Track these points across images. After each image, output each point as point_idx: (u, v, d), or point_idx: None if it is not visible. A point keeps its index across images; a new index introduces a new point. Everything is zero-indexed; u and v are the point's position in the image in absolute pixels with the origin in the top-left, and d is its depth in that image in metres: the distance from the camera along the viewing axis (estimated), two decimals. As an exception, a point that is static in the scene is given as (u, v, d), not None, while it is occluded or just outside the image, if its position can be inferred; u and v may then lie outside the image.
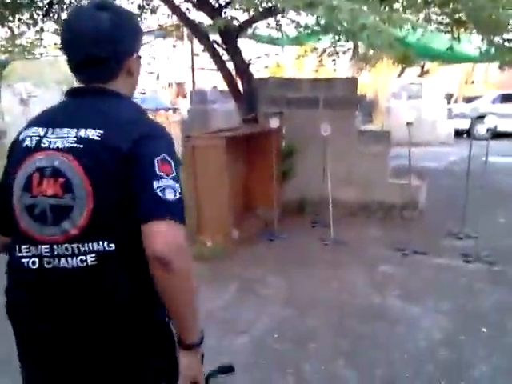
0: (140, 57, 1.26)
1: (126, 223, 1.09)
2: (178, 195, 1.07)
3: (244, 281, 3.89)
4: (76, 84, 1.24)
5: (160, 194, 1.04)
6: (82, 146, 1.09)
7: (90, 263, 1.08)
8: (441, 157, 10.35)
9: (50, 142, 1.11)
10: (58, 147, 1.10)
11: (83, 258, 1.08)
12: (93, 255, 1.08)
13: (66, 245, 1.08)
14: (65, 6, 6.93)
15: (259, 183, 5.51)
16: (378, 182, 5.65)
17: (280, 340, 2.96)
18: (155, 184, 1.04)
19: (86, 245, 1.08)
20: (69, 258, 1.08)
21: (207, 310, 3.29)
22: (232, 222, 4.83)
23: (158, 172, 1.06)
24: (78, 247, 1.08)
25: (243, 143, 5.47)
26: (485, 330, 3.05)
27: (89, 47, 1.13)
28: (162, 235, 1.02)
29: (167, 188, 1.05)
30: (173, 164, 1.10)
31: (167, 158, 1.09)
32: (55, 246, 1.08)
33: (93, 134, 1.09)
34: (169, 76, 27.30)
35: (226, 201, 4.57)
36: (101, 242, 1.08)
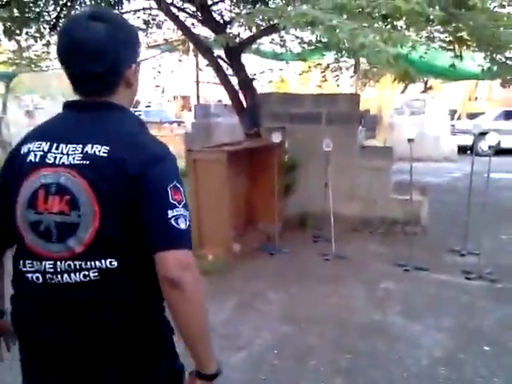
0: (138, 64, 1.22)
1: (130, 241, 1.10)
2: (188, 222, 1.10)
3: (244, 295, 3.87)
4: (75, 97, 1.22)
5: (174, 224, 1.06)
6: (88, 162, 1.08)
7: (92, 278, 1.09)
8: (443, 173, 10.35)
9: (55, 157, 1.10)
10: (63, 163, 1.09)
11: (86, 273, 1.09)
12: (95, 271, 1.09)
13: (69, 262, 1.09)
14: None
15: (261, 197, 5.52)
16: (380, 197, 5.66)
17: (279, 356, 2.94)
18: (169, 214, 1.07)
19: (88, 263, 1.09)
20: (72, 274, 1.09)
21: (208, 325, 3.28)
22: (233, 235, 4.83)
23: (171, 201, 1.08)
24: (80, 265, 1.09)
25: (245, 157, 5.50)
26: (487, 348, 3.02)
27: (84, 63, 1.11)
28: (175, 262, 1.05)
29: (180, 217, 1.08)
30: (182, 190, 1.12)
31: (178, 185, 1.11)
32: (59, 263, 1.09)
33: (99, 150, 1.08)
34: (174, 89, 27.52)
35: (227, 215, 4.57)
36: (103, 260, 1.09)
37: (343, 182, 5.60)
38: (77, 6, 6.77)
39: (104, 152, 1.08)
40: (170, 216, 1.06)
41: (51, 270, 1.10)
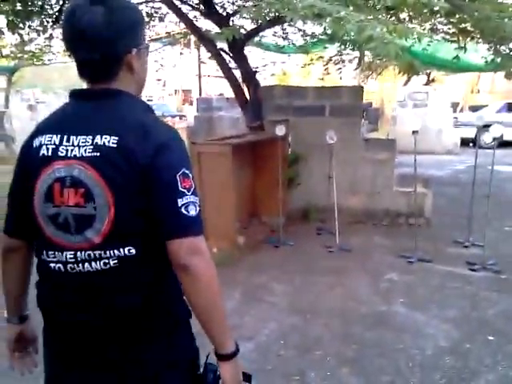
0: (141, 49, 1.19)
1: (146, 229, 1.12)
2: (198, 208, 1.12)
3: (250, 287, 3.90)
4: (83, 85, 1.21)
5: (184, 212, 1.08)
6: (98, 154, 1.09)
7: (112, 265, 1.12)
8: (447, 165, 10.35)
9: (66, 150, 1.10)
10: (75, 155, 1.10)
11: (106, 261, 1.12)
12: (115, 258, 1.12)
13: (89, 252, 1.11)
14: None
15: (265, 190, 5.53)
16: (383, 189, 5.67)
17: (286, 346, 2.97)
18: (179, 202, 1.08)
19: (107, 252, 1.11)
20: (92, 262, 1.12)
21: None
22: (238, 228, 4.85)
23: (180, 189, 1.09)
24: (100, 254, 1.11)
25: (249, 150, 5.51)
26: (491, 338, 3.04)
27: (83, 50, 1.11)
28: (186, 249, 1.08)
29: (190, 204, 1.09)
30: (191, 176, 1.13)
31: (186, 171, 1.12)
32: (79, 253, 1.12)
33: (109, 140, 1.09)
34: (176, 83, 27.48)
35: (231, 207, 4.59)
36: (121, 249, 1.11)
37: (347, 175, 5.61)
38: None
39: (113, 142, 1.08)
40: (180, 205, 1.08)
41: (72, 260, 1.13)
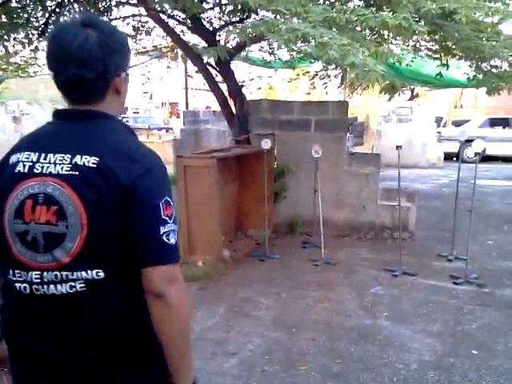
0: (128, 75, 1.21)
1: (119, 252, 1.10)
2: (176, 236, 1.12)
3: (235, 301, 3.87)
4: (63, 103, 1.21)
5: (165, 240, 1.09)
6: (77, 173, 1.07)
7: (79, 289, 1.09)
8: (430, 179, 10.47)
9: (42, 167, 1.09)
10: (51, 172, 1.08)
11: (72, 284, 1.08)
12: (82, 282, 1.08)
13: (56, 272, 1.08)
14: (60, 27, 7.00)
15: (251, 203, 5.54)
16: (368, 203, 5.71)
17: (270, 362, 2.94)
18: (161, 230, 1.08)
19: (75, 273, 1.08)
20: (58, 285, 1.08)
21: (197, 331, 3.28)
22: (223, 241, 4.84)
23: (163, 216, 1.09)
24: (67, 275, 1.08)
25: (235, 164, 5.52)
26: (475, 352, 3.06)
27: (75, 68, 1.10)
28: (164, 275, 1.08)
29: (171, 233, 1.10)
30: (172, 204, 1.13)
31: (169, 199, 1.12)
32: (45, 273, 1.08)
33: (89, 160, 1.08)
34: (163, 96, 27.50)
35: (217, 221, 4.58)
36: (89, 271, 1.08)
37: (332, 188, 5.65)
38: (65, 12, 6.76)
39: (93, 163, 1.07)
40: (161, 232, 1.08)
41: (38, 281, 1.09)
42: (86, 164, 1.07)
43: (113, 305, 1.12)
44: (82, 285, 1.08)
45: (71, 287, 1.08)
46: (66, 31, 1.12)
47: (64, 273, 1.08)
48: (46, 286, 1.08)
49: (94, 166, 1.07)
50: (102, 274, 1.09)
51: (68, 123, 1.15)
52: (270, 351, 3.06)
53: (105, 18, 1.30)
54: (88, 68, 1.10)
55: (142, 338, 1.16)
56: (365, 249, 5.29)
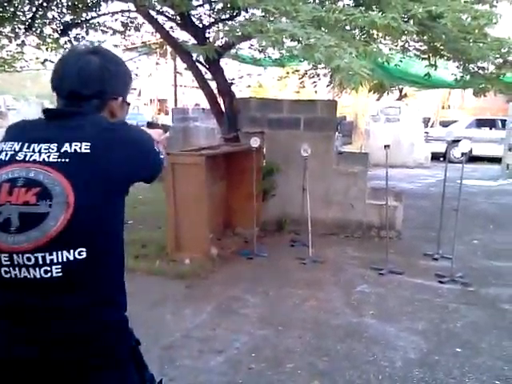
0: (127, 104, 1.31)
1: (101, 226, 1.10)
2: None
3: (222, 299, 3.87)
4: (50, 98, 1.25)
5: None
6: (67, 160, 1.08)
7: (54, 274, 1.05)
8: (418, 179, 10.56)
9: (25, 155, 1.09)
10: (34, 160, 1.07)
11: (48, 268, 1.04)
12: (59, 267, 1.05)
13: (28, 254, 1.04)
14: (47, 21, 6.94)
15: (239, 201, 5.53)
16: (356, 202, 5.74)
17: (257, 359, 2.94)
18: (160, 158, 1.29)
19: (54, 254, 1.04)
20: (30, 269, 1.04)
21: (184, 329, 3.27)
22: (211, 239, 4.83)
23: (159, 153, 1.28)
24: (43, 257, 1.04)
25: (224, 161, 5.51)
26: (459, 349, 3.09)
27: (74, 84, 1.18)
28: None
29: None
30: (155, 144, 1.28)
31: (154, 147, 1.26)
32: (15, 256, 1.04)
33: (80, 146, 1.09)
34: (151, 92, 27.33)
35: (205, 218, 4.57)
36: (72, 251, 1.05)
37: (320, 187, 5.67)
38: (53, 7, 6.68)
39: (86, 148, 1.08)
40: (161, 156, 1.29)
41: (7, 263, 1.05)
42: (78, 150, 1.08)
43: (93, 298, 1.10)
44: (59, 270, 1.04)
45: (46, 272, 1.04)
46: (72, 55, 1.26)
47: (39, 255, 1.04)
48: (17, 269, 1.04)
49: (87, 151, 1.09)
50: (84, 254, 1.06)
51: (57, 120, 1.17)
52: (256, 349, 3.07)
53: (115, 53, 1.38)
54: (85, 86, 1.18)
55: (122, 337, 1.16)
56: (352, 247, 5.32)
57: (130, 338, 1.20)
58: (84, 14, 6.70)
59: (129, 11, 6.93)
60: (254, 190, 5.10)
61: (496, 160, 11.84)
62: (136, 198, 7.10)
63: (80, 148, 1.08)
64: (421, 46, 6.54)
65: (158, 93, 27.16)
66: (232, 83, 6.42)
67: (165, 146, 1.44)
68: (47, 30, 7.10)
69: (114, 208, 1.15)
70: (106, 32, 7.51)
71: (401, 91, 16.90)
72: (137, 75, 9.04)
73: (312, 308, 3.73)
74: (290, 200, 5.67)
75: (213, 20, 6.47)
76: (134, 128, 1.26)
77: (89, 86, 1.18)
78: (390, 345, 3.15)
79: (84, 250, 1.07)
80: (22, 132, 1.17)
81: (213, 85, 6.35)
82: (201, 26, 6.25)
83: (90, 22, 6.99)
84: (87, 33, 7.15)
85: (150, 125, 1.66)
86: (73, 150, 1.08)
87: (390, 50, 6.83)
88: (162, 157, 1.28)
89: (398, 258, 4.81)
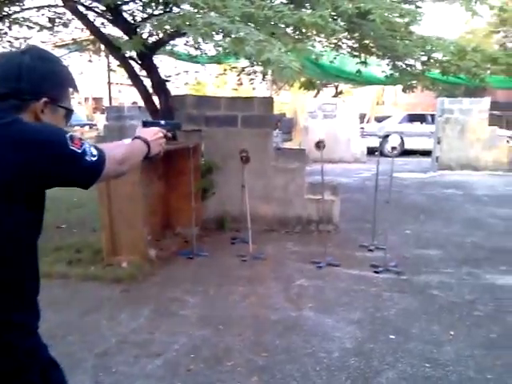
0: (62, 107, 1.23)
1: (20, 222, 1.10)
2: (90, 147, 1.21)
3: (160, 301, 3.79)
4: None
5: (89, 158, 1.18)
6: None
7: None
8: (354, 173, 10.89)
9: None
10: None
11: None
12: None
13: None
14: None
15: (178, 201, 5.45)
16: (295, 197, 5.83)
17: (196, 360, 2.91)
18: (86, 160, 1.17)
19: None
20: None
21: (120, 335, 3.17)
22: (149, 241, 4.71)
23: (78, 153, 1.15)
24: None
25: (160, 161, 5.39)
26: (392, 336, 3.22)
27: None
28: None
29: (90, 149, 1.19)
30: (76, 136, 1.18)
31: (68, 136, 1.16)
32: None
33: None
34: (85, 91, 26.35)
35: (141, 220, 4.46)
36: None
37: (260, 184, 5.70)
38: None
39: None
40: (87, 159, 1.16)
41: None
42: None
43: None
44: None
45: None
46: (5, 56, 1.23)
47: None
48: None
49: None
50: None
51: None
52: (195, 350, 3.03)
53: (54, 54, 1.30)
54: (3, 84, 1.14)
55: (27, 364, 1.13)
56: (292, 242, 5.39)
57: (37, 364, 1.15)
58: (6, 8, 6.31)
59: (56, 6, 6.61)
60: (193, 189, 5.03)
61: (428, 153, 12.44)
62: (70, 201, 6.82)
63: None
64: (353, 43, 6.73)
65: (93, 91, 26.25)
66: (167, 80, 6.30)
67: (162, 145, 1.50)
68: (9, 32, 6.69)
69: (13, 218, 1.09)
70: (32, 28, 7.11)
71: (337, 88, 17.38)
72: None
73: (252, 304, 3.74)
74: (229, 198, 5.66)
75: (146, 16, 6.30)
76: (41, 127, 1.16)
77: (6, 84, 1.13)
78: (327, 336, 3.22)
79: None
80: None
81: (148, 82, 6.21)
82: (133, 21, 6.07)
83: (13, 16, 6.60)
84: (10, 28, 6.75)
85: (145, 124, 1.60)
86: None
87: (323, 47, 6.99)
88: (93, 159, 1.16)
89: (336, 250, 4.94)
